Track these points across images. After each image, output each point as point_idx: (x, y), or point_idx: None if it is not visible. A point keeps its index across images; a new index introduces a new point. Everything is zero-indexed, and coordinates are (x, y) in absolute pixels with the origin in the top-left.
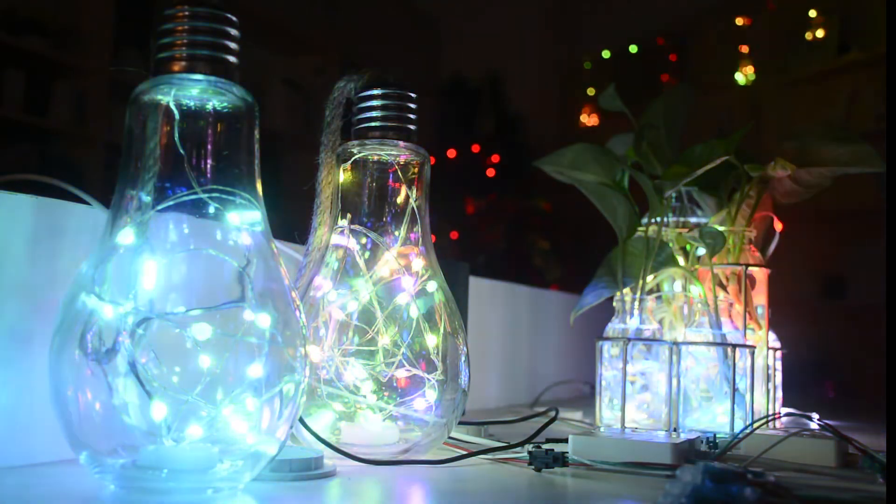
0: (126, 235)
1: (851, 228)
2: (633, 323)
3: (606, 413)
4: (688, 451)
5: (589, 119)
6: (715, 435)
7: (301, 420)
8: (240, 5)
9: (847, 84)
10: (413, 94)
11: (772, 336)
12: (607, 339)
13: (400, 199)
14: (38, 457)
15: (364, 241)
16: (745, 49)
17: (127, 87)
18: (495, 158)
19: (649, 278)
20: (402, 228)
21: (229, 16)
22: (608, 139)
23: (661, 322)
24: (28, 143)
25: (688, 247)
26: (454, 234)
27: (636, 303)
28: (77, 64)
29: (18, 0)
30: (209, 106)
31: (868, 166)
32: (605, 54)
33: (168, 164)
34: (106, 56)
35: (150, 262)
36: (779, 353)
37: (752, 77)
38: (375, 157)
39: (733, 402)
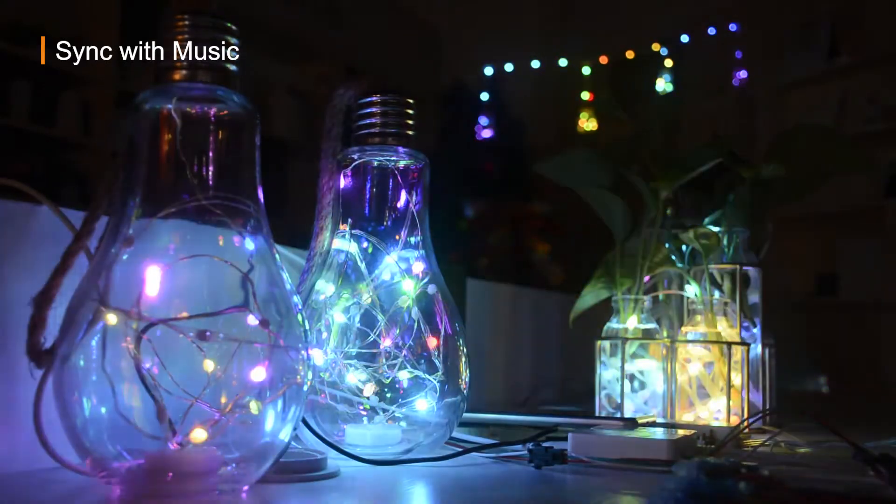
0: (129, 242)
1: (843, 227)
2: (630, 322)
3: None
4: (684, 448)
5: (587, 123)
6: (711, 431)
7: (304, 422)
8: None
9: (838, 87)
10: (412, 100)
11: (766, 333)
12: (606, 338)
13: (400, 204)
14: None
15: (365, 245)
16: (738, 54)
17: (132, 96)
18: (496, 163)
19: (646, 279)
20: (402, 232)
21: (230, 24)
22: (606, 143)
23: (658, 321)
24: (35, 153)
25: (683, 247)
26: (456, 238)
27: (634, 303)
28: (83, 74)
29: (24, 10)
30: (210, 114)
31: (858, 168)
32: (603, 60)
33: (170, 171)
34: (111, 66)
35: (153, 269)
36: (772, 350)
37: (745, 81)
38: (375, 163)
39: (729, 399)
